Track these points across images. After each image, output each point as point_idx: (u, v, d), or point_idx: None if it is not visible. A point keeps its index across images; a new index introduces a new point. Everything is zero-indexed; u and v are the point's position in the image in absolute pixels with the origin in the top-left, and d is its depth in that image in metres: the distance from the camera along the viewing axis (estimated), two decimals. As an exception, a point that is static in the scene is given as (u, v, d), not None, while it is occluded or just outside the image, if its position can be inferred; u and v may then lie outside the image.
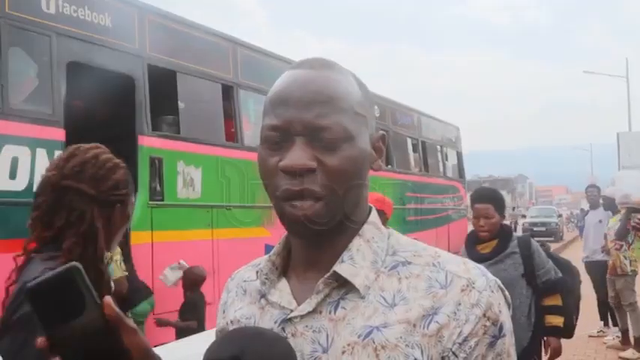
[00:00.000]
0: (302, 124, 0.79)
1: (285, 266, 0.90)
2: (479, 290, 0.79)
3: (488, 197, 3.34)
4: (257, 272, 0.91)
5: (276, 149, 0.81)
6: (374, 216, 0.88)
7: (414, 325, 0.77)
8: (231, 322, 0.92)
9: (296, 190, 0.78)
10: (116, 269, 4.50)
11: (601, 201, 7.51)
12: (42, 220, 1.44)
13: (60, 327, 0.68)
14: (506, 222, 3.48)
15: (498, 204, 3.32)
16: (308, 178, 0.78)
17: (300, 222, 0.79)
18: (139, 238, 5.02)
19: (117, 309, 0.70)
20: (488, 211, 3.26)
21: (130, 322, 0.72)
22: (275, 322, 0.84)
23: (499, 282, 0.83)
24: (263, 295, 0.88)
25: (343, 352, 0.78)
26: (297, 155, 0.78)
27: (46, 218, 1.43)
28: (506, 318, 0.80)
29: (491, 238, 3.30)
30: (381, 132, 0.89)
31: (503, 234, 3.32)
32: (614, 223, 6.64)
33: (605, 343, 7.02)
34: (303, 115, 0.79)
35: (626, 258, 6.49)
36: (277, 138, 0.81)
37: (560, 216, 30.74)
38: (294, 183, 0.79)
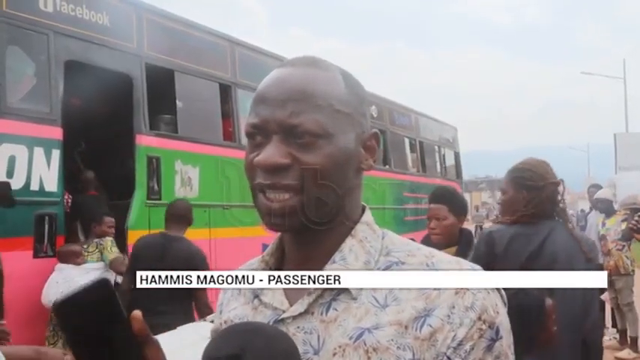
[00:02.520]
0: (277, 123, 0.80)
1: (279, 266, 0.90)
2: (473, 292, 0.77)
3: (442, 197, 3.07)
4: None
5: (257, 146, 0.82)
6: (367, 216, 0.88)
7: (406, 327, 0.76)
8: (225, 322, 0.92)
9: (266, 184, 0.80)
10: (108, 254, 4.66)
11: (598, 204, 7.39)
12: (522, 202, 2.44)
13: (88, 341, 0.67)
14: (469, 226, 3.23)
15: (454, 205, 3.02)
16: (280, 174, 0.79)
17: (271, 213, 0.80)
18: (136, 237, 5.01)
19: (144, 323, 0.69)
20: (440, 211, 2.98)
21: (153, 337, 0.71)
22: (267, 323, 0.84)
23: None
24: (256, 296, 0.88)
25: (334, 354, 0.77)
26: (270, 152, 0.79)
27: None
28: (503, 319, 0.79)
29: (448, 244, 2.94)
30: (374, 130, 0.88)
31: (464, 240, 3.01)
32: (613, 224, 6.63)
33: (601, 344, 7.02)
34: (278, 113, 0.80)
35: (627, 258, 6.49)
36: (257, 136, 0.82)
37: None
38: (266, 178, 0.80)
